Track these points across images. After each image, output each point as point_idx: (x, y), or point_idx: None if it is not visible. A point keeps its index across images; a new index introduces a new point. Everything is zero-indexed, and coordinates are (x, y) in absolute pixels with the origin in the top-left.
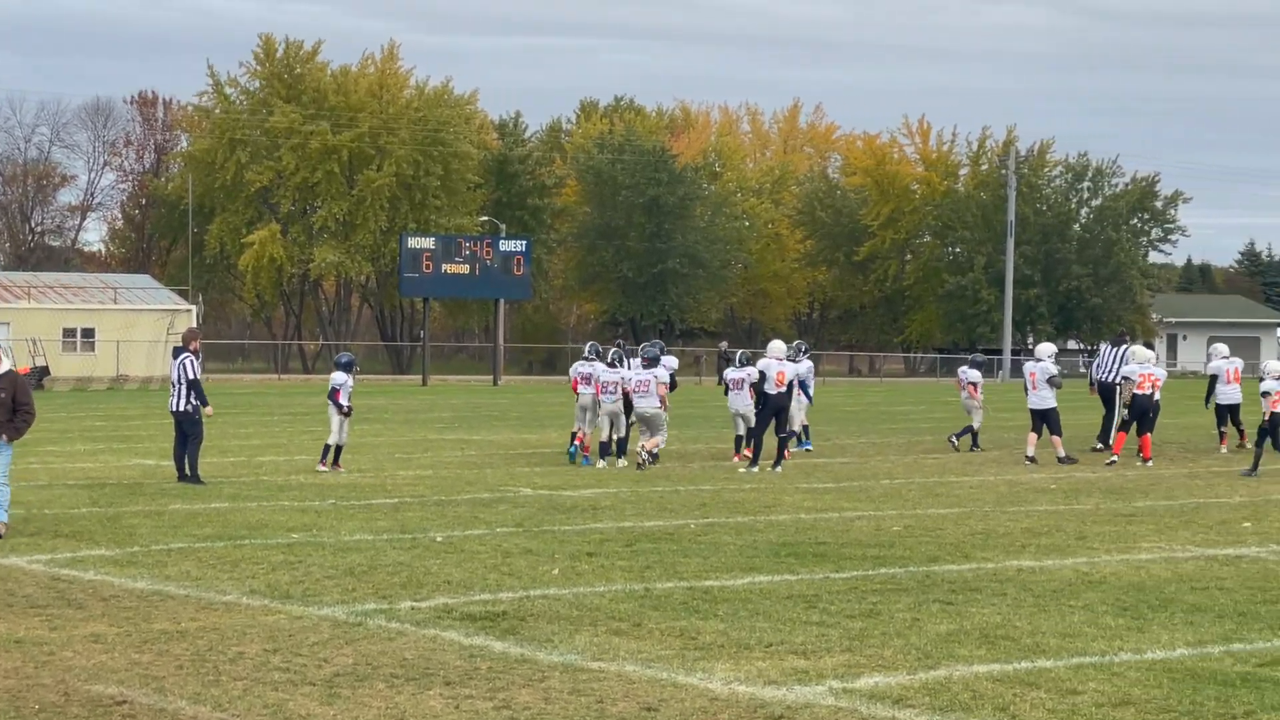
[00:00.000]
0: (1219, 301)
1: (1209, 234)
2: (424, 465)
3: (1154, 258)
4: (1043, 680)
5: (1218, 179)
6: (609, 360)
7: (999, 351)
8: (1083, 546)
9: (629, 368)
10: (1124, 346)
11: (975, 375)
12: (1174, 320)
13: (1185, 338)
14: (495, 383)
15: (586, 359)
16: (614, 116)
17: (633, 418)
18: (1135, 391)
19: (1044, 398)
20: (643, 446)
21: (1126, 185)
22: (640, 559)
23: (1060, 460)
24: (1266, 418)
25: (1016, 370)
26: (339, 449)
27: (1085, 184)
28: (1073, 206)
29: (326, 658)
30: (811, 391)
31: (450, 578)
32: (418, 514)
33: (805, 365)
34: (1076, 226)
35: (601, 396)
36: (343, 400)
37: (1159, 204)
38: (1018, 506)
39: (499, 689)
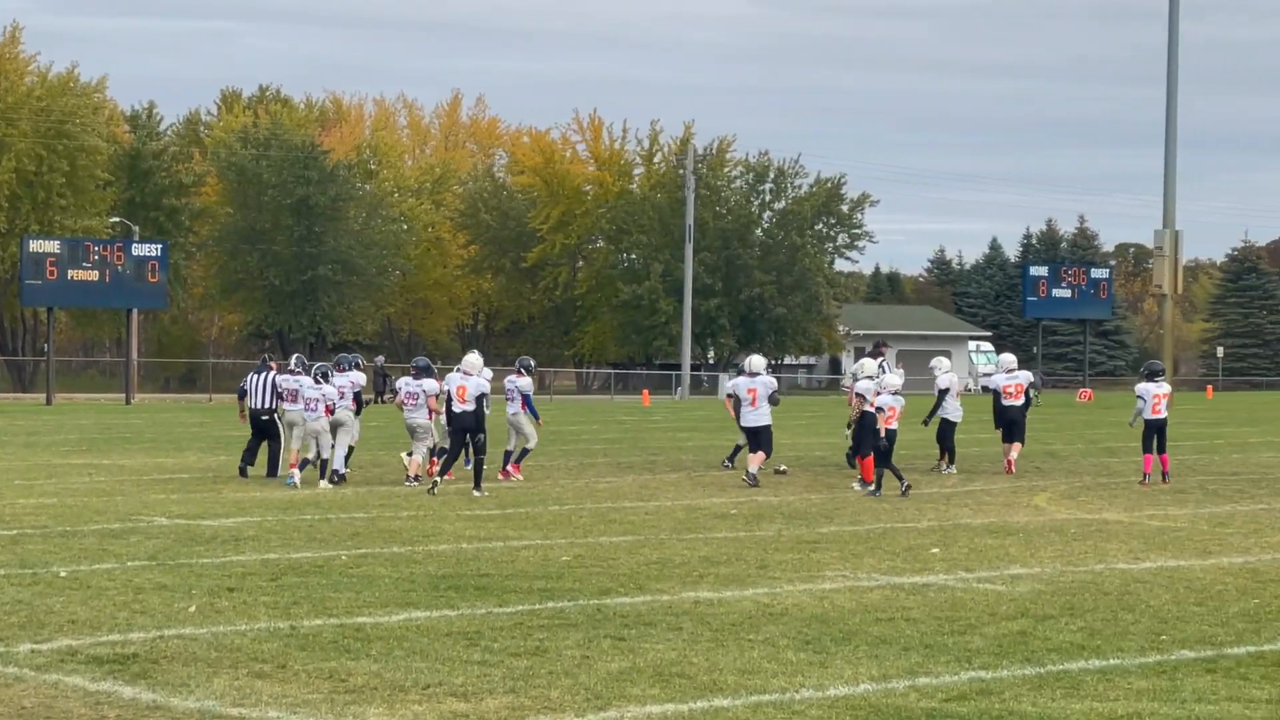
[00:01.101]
0: (908, 312)
1: (898, 240)
2: (47, 492)
3: (840, 265)
4: None
5: (906, 182)
6: (314, 376)
7: (677, 366)
8: (764, 576)
9: (332, 383)
10: (880, 359)
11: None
12: (862, 332)
13: None
14: (128, 401)
15: (293, 372)
16: (258, 108)
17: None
18: (865, 409)
19: (761, 415)
20: (419, 470)
21: (811, 187)
22: (286, 594)
23: (745, 479)
24: (883, 432)
25: (696, 386)
26: None
27: (768, 185)
28: (754, 210)
29: None
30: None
31: (75, 617)
32: (39, 546)
33: (525, 381)
34: (759, 231)
35: (305, 414)
36: None
37: (845, 207)
38: (696, 534)
39: None
